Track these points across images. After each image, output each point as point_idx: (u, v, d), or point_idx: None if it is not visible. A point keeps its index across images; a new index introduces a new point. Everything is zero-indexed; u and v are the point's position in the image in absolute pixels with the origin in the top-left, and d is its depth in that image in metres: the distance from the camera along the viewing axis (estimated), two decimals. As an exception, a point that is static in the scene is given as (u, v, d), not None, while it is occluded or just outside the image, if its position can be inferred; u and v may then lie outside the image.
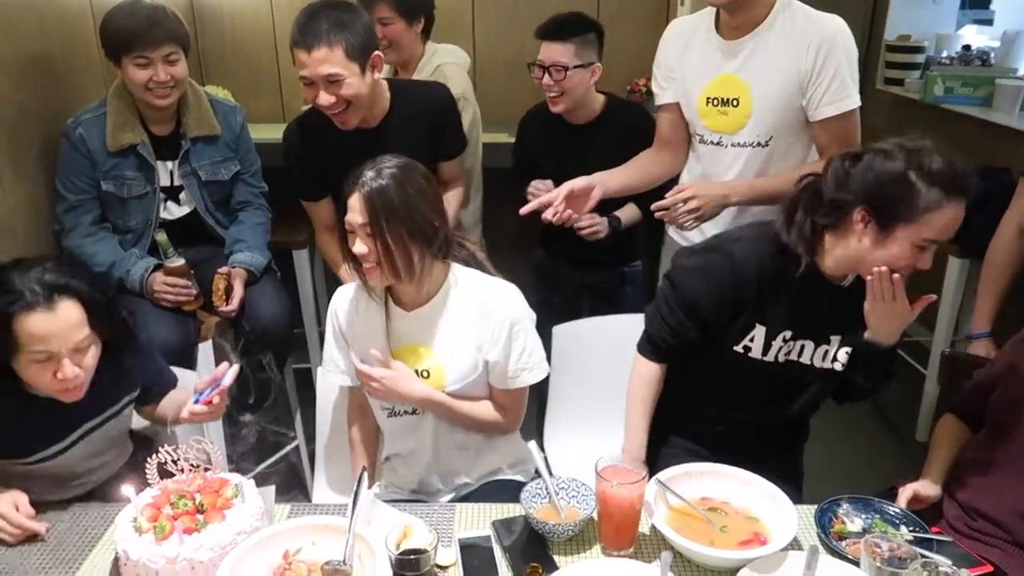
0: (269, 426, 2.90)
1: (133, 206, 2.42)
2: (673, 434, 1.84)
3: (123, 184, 2.38)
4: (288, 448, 2.90)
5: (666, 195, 1.96)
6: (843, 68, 1.88)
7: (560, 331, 2.24)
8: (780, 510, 1.44)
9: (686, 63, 2.07)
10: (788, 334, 1.70)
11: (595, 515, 1.45)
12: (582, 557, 1.43)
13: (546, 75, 2.39)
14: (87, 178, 2.36)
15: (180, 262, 2.42)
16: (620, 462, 1.44)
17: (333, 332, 1.80)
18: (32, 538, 1.50)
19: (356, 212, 1.58)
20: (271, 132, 3.06)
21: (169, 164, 2.45)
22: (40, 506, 1.55)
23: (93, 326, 1.50)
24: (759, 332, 1.69)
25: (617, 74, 2.49)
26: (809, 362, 1.73)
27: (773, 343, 1.70)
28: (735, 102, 1.99)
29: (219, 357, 2.46)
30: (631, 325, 1.89)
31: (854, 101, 1.91)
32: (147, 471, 1.45)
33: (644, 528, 1.46)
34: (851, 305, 1.65)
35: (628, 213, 2.54)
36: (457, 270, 1.73)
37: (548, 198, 1.99)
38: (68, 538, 1.51)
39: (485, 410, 1.75)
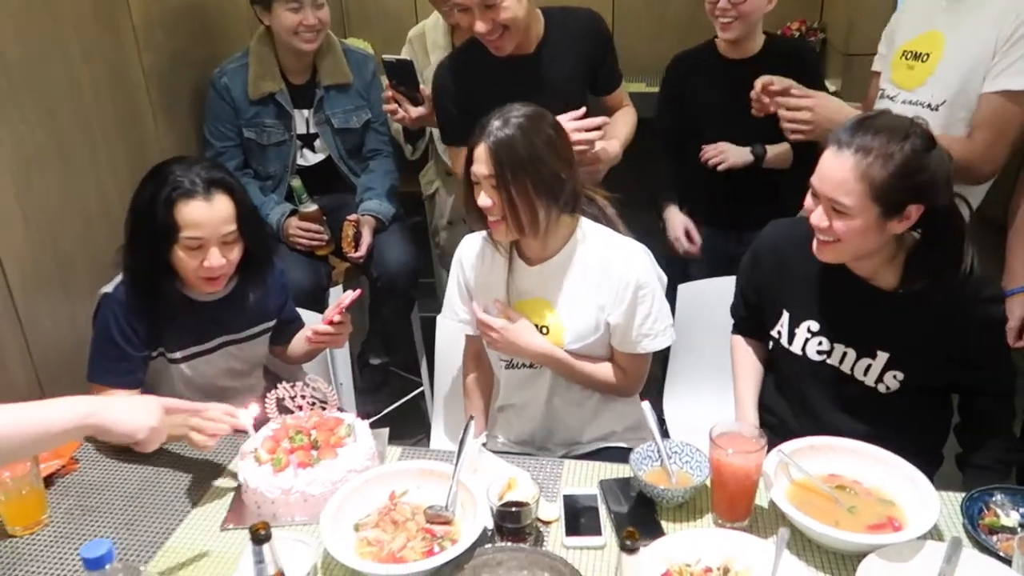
0: (397, 370, 2.98)
1: (272, 153, 2.52)
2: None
3: (263, 131, 2.48)
4: (414, 393, 2.97)
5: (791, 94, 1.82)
6: None
7: (686, 290, 2.14)
8: (920, 495, 1.29)
9: (901, 17, 1.96)
10: (814, 326, 1.56)
11: (708, 483, 1.37)
12: (691, 526, 1.35)
13: None
14: (231, 125, 2.47)
15: (313, 207, 2.51)
16: (738, 429, 1.35)
17: (456, 281, 1.78)
18: (170, 457, 1.60)
19: (482, 163, 1.53)
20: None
21: (305, 112, 2.52)
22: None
23: (240, 225, 1.63)
24: (784, 318, 1.59)
25: (767, 17, 2.28)
26: (850, 372, 1.55)
27: (797, 332, 1.57)
28: (925, 56, 1.83)
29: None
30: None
31: None
32: (267, 404, 1.50)
33: (762, 501, 1.36)
34: (897, 316, 1.48)
35: (777, 150, 2.33)
36: (585, 225, 1.65)
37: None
38: (198, 462, 1.59)
39: (604, 371, 1.69)
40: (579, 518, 1.37)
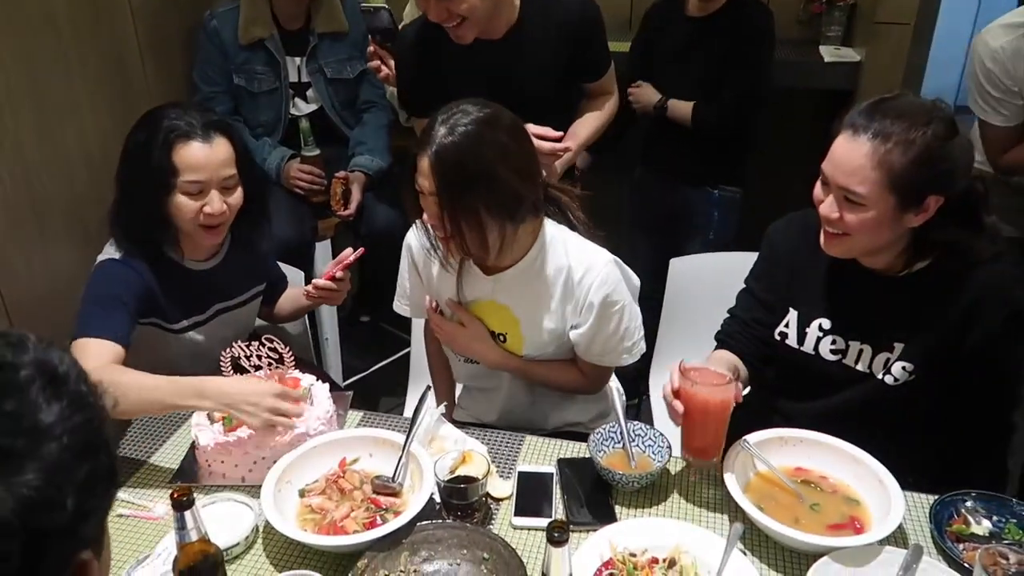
0: (388, 327, 2.94)
1: (263, 101, 2.45)
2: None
3: (253, 78, 2.41)
4: (404, 352, 2.93)
5: None
6: None
7: (677, 265, 2.07)
8: (888, 496, 1.23)
9: None
10: (825, 324, 1.45)
11: (668, 467, 1.32)
12: (647, 512, 1.30)
13: None
14: (220, 70, 2.40)
15: (316, 152, 2.46)
16: (709, 365, 1.32)
17: (408, 267, 1.63)
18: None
19: (424, 178, 1.33)
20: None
21: (297, 60, 2.44)
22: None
23: (240, 168, 1.57)
24: (792, 317, 1.47)
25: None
26: (867, 370, 1.43)
27: (808, 331, 1.46)
28: None
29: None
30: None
31: None
32: (221, 364, 1.46)
33: (717, 499, 1.31)
34: (911, 302, 1.36)
35: (679, 106, 2.32)
36: (549, 231, 1.47)
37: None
38: (158, 417, 1.57)
39: (565, 375, 1.58)
40: (531, 497, 1.33)
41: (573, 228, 1.51)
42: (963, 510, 1.26)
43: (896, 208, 1.27)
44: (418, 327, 1.96)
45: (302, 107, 2.50)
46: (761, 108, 2.31)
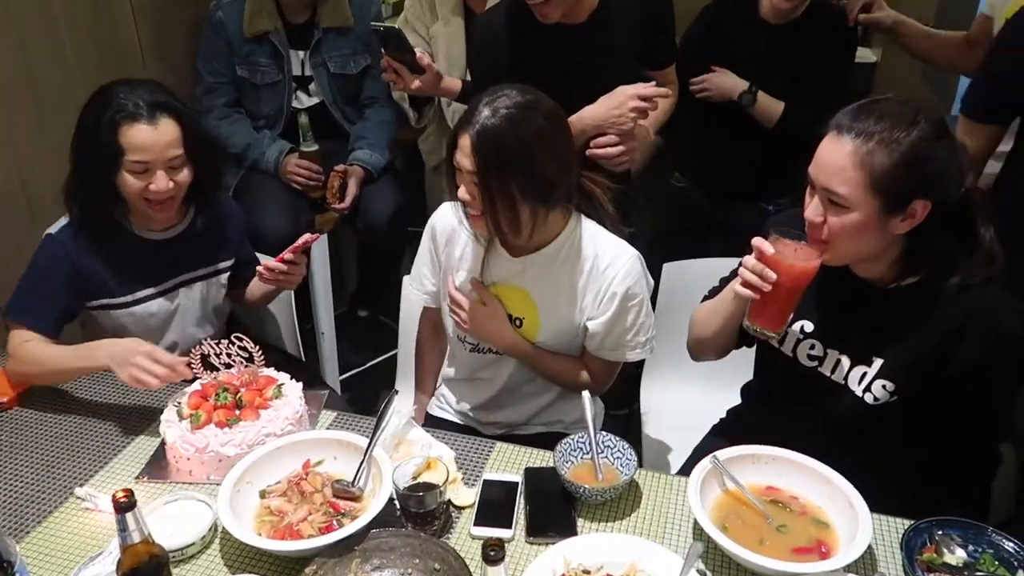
0: (388, 321, 2.92)
1: (265, 93, 2.45)
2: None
3: (256, 70, 2.41)
4: (396, 351, 2.92)
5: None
6: None
7: (671, 270, 2.01)
8: (857, 521, 1.18)
9: None
10: (808, 327, 1.40)
11: (636, 475, 1.28)
12: (609, 527, 1.27)
13: None
14: (224, 61, 2.41)
15: (315, 147, 2.46)
16: (795, 238, 1.30)
17: (428, 249, 1.65)
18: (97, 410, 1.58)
19: (464, 155, 1.38)
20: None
21: (301, 54, 2.44)
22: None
23: (187, 149, 1.58)
24: None
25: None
26: (843, 381, 1.38)
27: (789, 331, 1.41)
28: None
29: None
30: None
31: None
32: (191, 360, 1.46)
33: (684, 516, 1.27)
34: (897, 317, 1.31)
35: (768, 103, 2.24)
36: (578, 220, 1.52)
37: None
38: (137, 409, 1.57)
39: (572, 371, 1.59)
40: (493, 507, 1.30)
41: (600, 222, 1.53)
42: (938, 537, 1.21)
43: (880, 212, 1.22)
44: (409, 321, 1.95)
45: (304, 100, 2.50)
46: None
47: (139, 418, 1.54)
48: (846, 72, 2.29)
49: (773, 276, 1.28)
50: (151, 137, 1.52)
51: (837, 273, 1.36)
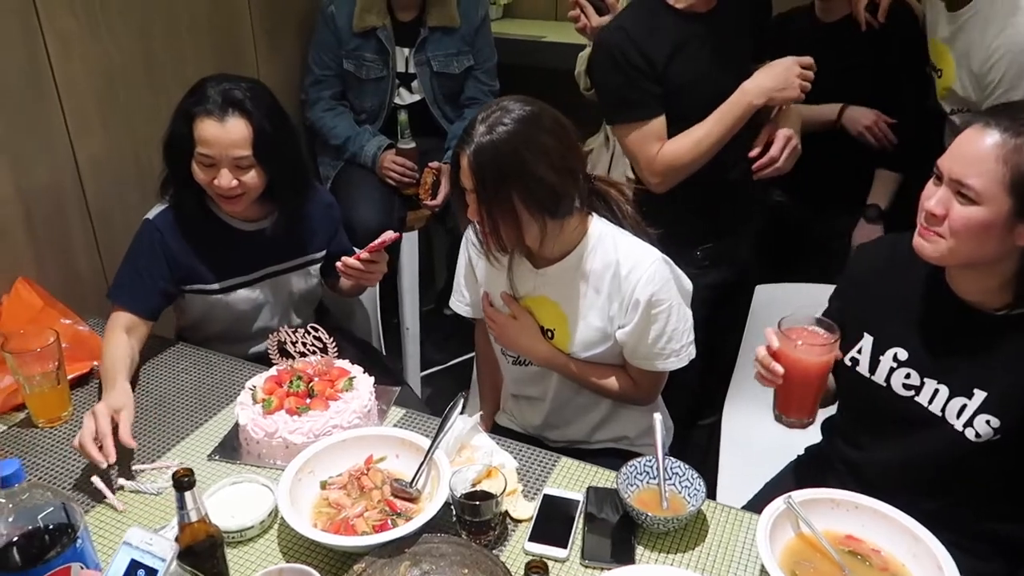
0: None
1: (369, 88, 2.49)
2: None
3: (362, 65, 2.46)
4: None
5: None
6: None
7: (763, 292, 1.93)
8: (945, 585, 1.08)
9: None
10: (901, 355, 1.29)
11: (704, 506, 1.22)
12: (670, 559, 1.21)
13: None
14: (332, 54, 2.47)
15: (411, 145, 2.48)
16: (809, 324, 1.26)
17: (465, 261, 1.64)
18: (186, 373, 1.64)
19: (464, 176, 1.37)
20: (538, 29, 2.96)
21: (406, 51, 2.47)
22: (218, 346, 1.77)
23: (256, 152, 1.58)
24: (867, 343, 1.32)
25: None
26: (940, 413, 1.26)
27: (881, 359, 1.30)
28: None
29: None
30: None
31: None
32: (269, 348, 1.49)
33: (750, 555, 1.20)
34: (1001, 347, 1.19)
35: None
36: (597, 227, 1.48)
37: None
38: (218, 385, 1.63)
39: (613, 382, 1.54)
40: (551, 523, 1.26)
41: (620, 225, 1.49)
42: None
43: (1011, 214, 1.12)
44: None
45: (406, 97, 2.53)
46: None
47: (221, 398, 1.59)
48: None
49: (780, 370, 1.24)
50: (217, 133, 1.55)
51: (938, 295, 1.26)
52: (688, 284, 1.50)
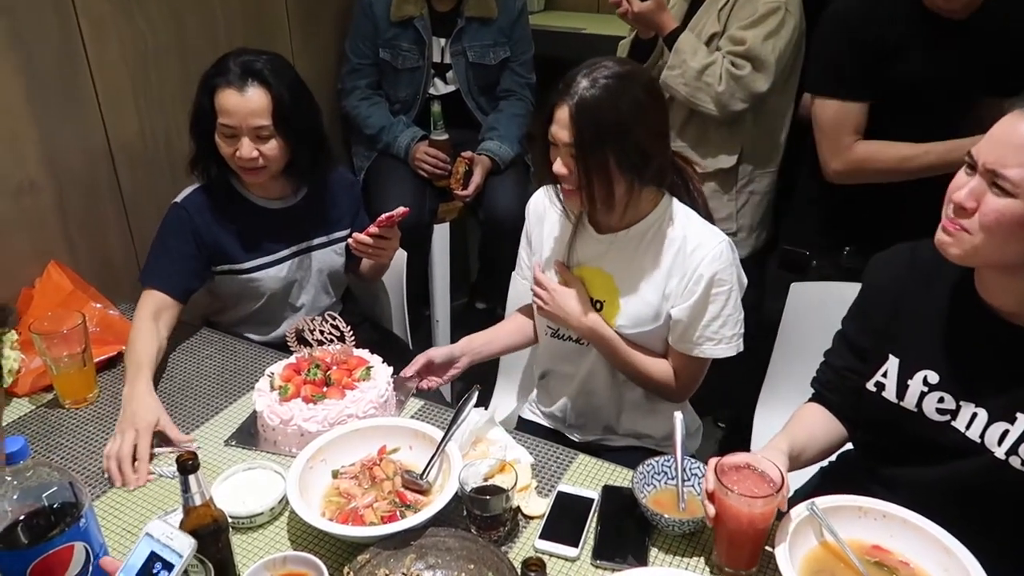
0: (503, 314, 2.89)
1: (405, 78, 2.48)
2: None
3: (398, 55, 2.45)
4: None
5: None
6: None
7: (799, 290, 1.85)
8: (976, 602, 1.02)
9: None
10: (932, 378, 1.19)
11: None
12: (684, 563, 1.16)
13: None
14: (369, 43, 2.46)
15: (444, 136, 2.47)
16: (758, 464, 1.13)
17: (525, 232, 1.66)
18: (208, 361, 1.65)
19: (562, 127, 1.36)
20: (579, 21, 2.93)
21: (442, 41, 2.46)
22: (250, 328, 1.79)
23: (276, 121, 1.59)
24: (892, 365, 1.21)
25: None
26: (979, 439, 1.15)
27: (910, 383, 1.19)
28: None
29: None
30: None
31: None
32: (288, 337, 1.49)
33: (769, 561, 1.14)
34: None
35: None
36: (669, 201, 1.47)
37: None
38: (241, 371, 1.63)
39: (653, 365, 1.51)
40: (563, 521, 1.23)
41: (693, 204, 1.49)
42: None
43: None
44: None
45: (440, 87, 2.52)
46: None
47: (243, 384, 1.59)
48: None
49: (712, 512, 1.11)
50: (237, 103, 1.56)
51: (968, 307, 1.17)
52: (744, 280, 1.47)
